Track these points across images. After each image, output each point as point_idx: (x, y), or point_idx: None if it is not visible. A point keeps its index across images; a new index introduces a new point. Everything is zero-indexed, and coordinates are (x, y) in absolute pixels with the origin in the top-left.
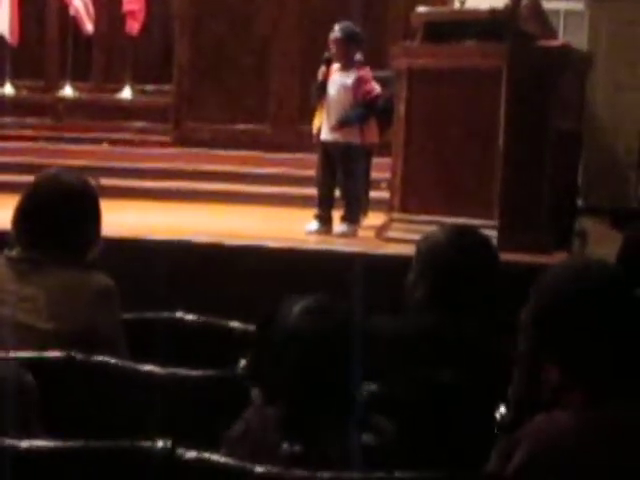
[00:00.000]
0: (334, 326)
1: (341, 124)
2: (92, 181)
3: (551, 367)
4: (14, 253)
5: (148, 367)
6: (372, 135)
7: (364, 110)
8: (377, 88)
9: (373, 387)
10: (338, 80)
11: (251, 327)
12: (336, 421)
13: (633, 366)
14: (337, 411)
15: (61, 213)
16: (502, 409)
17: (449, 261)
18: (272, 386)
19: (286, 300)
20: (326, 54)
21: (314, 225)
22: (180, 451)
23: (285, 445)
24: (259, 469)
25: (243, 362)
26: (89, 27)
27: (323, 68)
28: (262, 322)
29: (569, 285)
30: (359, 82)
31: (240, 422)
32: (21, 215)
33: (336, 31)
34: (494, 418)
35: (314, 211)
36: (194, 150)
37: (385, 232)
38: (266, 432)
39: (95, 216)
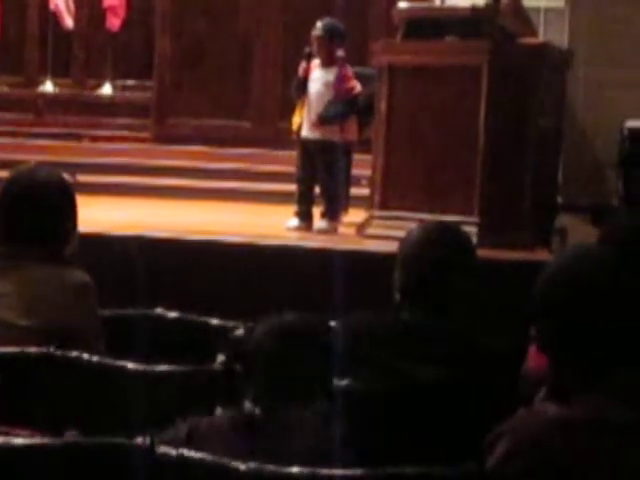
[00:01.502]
0: (294, 346)
1: (321, 121)
2: (68, 177)
3: (549, 358)
4: None
5: (127, 363)
6: (352, 132)
7: (345, 107)
8: (358, 86)
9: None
10: (319, 77)
11: (230, 323)
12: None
13: (623, 361)
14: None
15: (36, 209)
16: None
17: (429, 258)
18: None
19: (262, 319)
20: (307, 49)
21: (294, 222)
22: (160, 448)
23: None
24: (242, 467)
25: (221, 357)
26: (69, 23)
27: (303, 64)
28: (240, 338)
29: (560, 277)
30: (340, 79)
31: (208, 419)
32: None
33: (318, 28)
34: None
35: (294, 208)
36: (175, 146)
37: (365, 229)
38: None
39: (71, 212)
